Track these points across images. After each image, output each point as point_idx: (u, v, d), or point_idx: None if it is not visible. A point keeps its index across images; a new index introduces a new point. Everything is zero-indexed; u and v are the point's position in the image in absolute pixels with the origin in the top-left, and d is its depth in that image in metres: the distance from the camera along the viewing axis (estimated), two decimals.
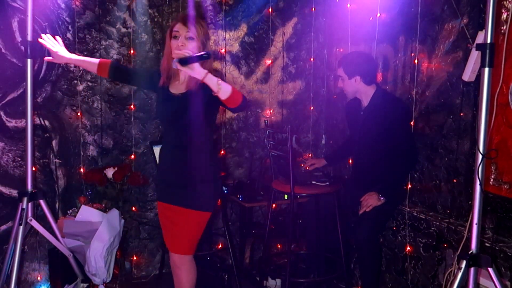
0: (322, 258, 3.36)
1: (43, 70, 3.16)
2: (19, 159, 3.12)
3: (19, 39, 3.02)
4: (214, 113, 2.38)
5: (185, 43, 2.16)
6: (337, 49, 3.71)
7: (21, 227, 2.67)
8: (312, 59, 3.92)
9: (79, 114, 3.29)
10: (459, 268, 1.94)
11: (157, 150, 3.21)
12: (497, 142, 2.33)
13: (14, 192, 3.09)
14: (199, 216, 2.30)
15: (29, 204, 2.74)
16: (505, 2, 2.25)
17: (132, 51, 3.37)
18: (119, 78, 2.63)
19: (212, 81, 1.97)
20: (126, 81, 2.68)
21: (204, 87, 2.10)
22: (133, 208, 3.38)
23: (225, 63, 3.68)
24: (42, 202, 2.81)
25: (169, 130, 2.37)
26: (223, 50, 3.64)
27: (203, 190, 2.29)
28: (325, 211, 3.20)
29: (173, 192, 2.33)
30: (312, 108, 3.96)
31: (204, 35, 2.23)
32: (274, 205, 3.29)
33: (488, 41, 1.86)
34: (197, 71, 1.96)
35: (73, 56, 2.44)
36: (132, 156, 3.46)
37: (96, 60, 2.44)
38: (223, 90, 1.99)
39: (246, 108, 2.37)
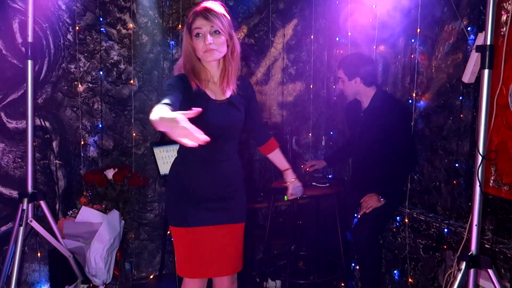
0: (322, 259, 3.36)
1: (43, 71, 3.16)
2: (20, 160, 3.12)
3: (19, 40, 3.02)
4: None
5: (213, 40, 1.87)
6: (337, 51, 3.72)
7: (21, 228, 2.67)
8: (312, 61, 3.93)
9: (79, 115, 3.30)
10: (459, 270, 1.95)
11: (157, 151, 3.22)
12: (497, 144, 2.33)
13: (15, 193, 3.09)
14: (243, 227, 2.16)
15: (29, 205, 2.74)
16: (505, 4, 2.25)
17: (132, 52, 3.38)
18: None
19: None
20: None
21: (241, 88, 2.01)
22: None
23: None
24: (42, 203, 2.81)
25: (215, 142, 1.76)
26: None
27: (244, 199, 2.15)
28: (325, 213, 3.21)
29: (224, 208, 2.05)
30: (311, 109, 3.96)
31: (230, 26, 1.93)
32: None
33: (488, 42, 1.86)
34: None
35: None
36: (132, 157, 3.47)
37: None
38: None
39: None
